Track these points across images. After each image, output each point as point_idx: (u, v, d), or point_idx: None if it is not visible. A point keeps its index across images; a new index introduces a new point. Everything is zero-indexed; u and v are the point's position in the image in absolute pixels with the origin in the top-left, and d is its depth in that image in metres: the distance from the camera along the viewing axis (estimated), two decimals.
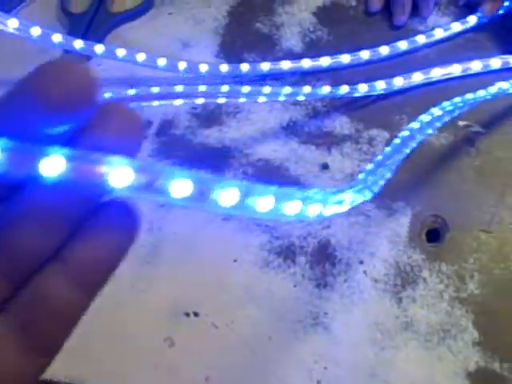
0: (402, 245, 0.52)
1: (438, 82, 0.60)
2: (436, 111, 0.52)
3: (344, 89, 0.58)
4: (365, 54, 0.61)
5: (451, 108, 0.53)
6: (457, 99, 0.53)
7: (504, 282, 0.50)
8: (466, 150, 0.57)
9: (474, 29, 0.63)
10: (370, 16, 0.66)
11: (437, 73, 0.60)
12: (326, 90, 0.57)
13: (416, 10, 0.65)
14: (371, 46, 0.62)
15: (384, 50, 0.62)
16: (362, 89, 0.58)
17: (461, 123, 0.58)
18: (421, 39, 0.62)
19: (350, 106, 0.60)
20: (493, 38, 0.63)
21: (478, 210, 0.54)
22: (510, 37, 0.61)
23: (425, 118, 0.52)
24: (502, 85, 0.56)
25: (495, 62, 0.60)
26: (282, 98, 0.56)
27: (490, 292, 0.49)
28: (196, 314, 0.49)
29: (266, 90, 0.55)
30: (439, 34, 0.63)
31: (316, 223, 0.54)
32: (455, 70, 0.60)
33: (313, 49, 0.63)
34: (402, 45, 0.62)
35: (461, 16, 0.64)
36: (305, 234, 0.53)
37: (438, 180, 0.56)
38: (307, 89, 0.57)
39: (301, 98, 0.57)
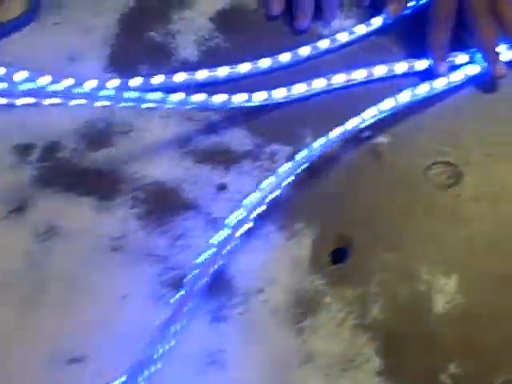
0: (304, 269, 0.50)
1: (342, 88, 0.58)
2: (339, 130, 0.50)
3: (240, 97, 0.55)
4: (265, 62, 0.58)
5: (358, 122, 0.51)
6: (365, 115, 0.52)
7: (408, 305, 0.48)
8: (370, 162, 0.55)
9: (379, 31, 0.61)
10: (271, 20, 0.63)
11: (339, 79, 0.57)
12: (220, 98, 0.54)
13: (319, 13, 0.62)
14: (272, 52, 0.60)
15: (285, 57, 0.59)
16: (259, 97, 0.55)
17: (364, 134, 0.56)
18: (324, 44, 0.60)
19: (249, 118, 0.57)
20: (398, 41, 0.61)
21: (384, 227, 0.52)
22: (415, 39, 0.59)
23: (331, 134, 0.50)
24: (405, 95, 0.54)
25: (400, 67, 0.58)
26: (169, 106, 0.52)
27: (394, 317, 0.47)
28: (80, 361, 0.46)
29: (153, 96, 0.51)
30: (343, 37, 0.60)
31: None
32: (359, 75, 0.57)
33: (210, 58, 0.60)
34: (304, 51, 0.59)
35: (365, 18, 0.62)
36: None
37: (341, 196, 0.53)
38: (200, 97, 0.53)
39: (191, 106, 0.53)
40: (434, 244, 0.50)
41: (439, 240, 0.50)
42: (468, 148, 0.54)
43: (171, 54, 0.61)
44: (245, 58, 0.59)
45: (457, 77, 0.57)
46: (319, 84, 0.57)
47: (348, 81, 0.58)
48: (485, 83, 0.57)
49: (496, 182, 0.53)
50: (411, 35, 0.60)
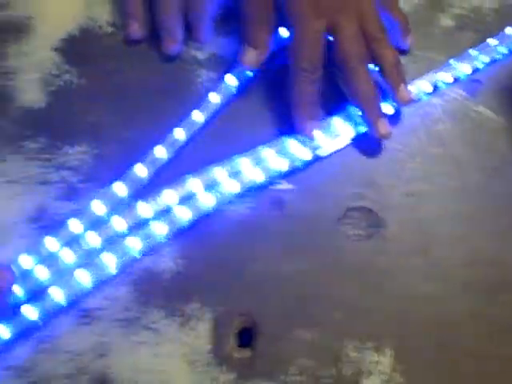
0: (205, 363, 0.42)
1: None
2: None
3: None
4: None
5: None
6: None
7: None
8: (273, 214, 0.47)
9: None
10: (133, 45, 0.54)
11: None
12: None
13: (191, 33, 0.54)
14: (137, 84, 0.51)
15: None
16: None
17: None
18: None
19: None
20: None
21: (294, 298, 0.45)
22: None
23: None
24: None
25: None
26: None
27: None
28: None
29: None
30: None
31: (87, 351, 0.42)
32: None
33: (61, 100, 0.51)
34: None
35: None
36: (73, 370, 0.42)
37: (241, 264, 0.46)
38: None
39: None
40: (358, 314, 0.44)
41: (363, 308, 0.44)
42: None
43: (10, 100, 0.51)
44: (103, 97, 0.50)
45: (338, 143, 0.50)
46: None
47: None
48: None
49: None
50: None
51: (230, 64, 0.52)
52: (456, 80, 0.53)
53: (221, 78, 0.51)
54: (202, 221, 0.46)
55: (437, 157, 0.50)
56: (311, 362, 0.43)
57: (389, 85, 0.49)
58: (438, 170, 0.49)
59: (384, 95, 0.50)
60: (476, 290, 0.45)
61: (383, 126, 0.48)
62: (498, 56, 0.54)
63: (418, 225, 0.47)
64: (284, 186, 0.48)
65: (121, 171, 0.47)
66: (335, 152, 0.49)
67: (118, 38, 0.54)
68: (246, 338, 0.44)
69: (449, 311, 0.44)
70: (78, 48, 0.54)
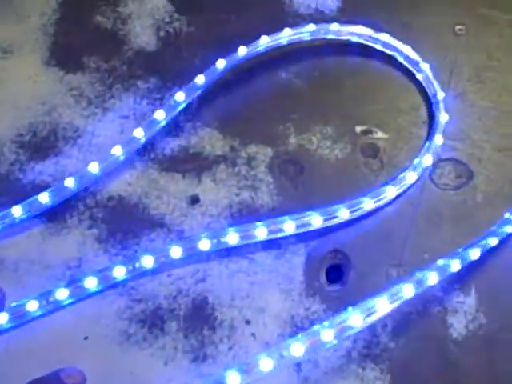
0: (297, 293, 0.46)
1: None
2: None
3: None
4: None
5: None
6: None
7: (421, 328, 0.44)
8: (367, 162, 0.51)
9: None
10: None
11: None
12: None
13: None
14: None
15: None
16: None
17: (358, 129, 0.52)
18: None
19: (221, 118, 0.52)
20: None
21: (387, 241, 0.48)
22: None
23: None
24: None
25: None
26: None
27: (408, 343, 0.44)
28: None
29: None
30: None
31: (187, 276, 0.46)
32: None
33: (170, 45, 0.55)
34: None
35: None
36: (174, 292, 0.46)
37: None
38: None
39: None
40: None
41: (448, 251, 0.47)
42: None
43: (123, 42, 0.56)
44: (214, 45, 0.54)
45: None
46: None
47: None
48: None
49: None
50: None
51: None
52: None
53: None
54: None
55: None
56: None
57: None
58: None
59: None
60: None
61: None
62: None
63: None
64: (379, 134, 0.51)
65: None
66: None
67: None
68: (338, 273, 0.47)
69: None
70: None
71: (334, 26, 0.55)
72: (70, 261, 0.46)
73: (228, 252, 0.46)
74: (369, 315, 0.40)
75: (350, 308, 0.40)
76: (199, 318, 0.45)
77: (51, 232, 0.47)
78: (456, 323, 0.44)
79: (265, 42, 0.53)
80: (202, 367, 0.43)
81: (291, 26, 0.54)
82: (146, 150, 0.51)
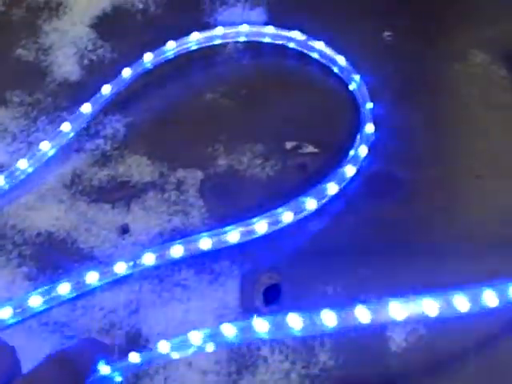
0: (233, 317, 0.46)
1: None
2: None
3: None
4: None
5: None
6: None
7: (360, 342, 0.45)
8: (297, 178, 0.51)
9: None
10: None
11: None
12: None
13: None
14: None
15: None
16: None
17: (288, 145, 0.53)
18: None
19: (149, 143, 0.53)
20: None
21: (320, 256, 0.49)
22: None
23: None
24: None
25: None
26: None
27: (347, 359, 0.44)
28: None
29: None
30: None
31: (120, 308, 0.47)
32: None
33: (95, 73, 0.56)
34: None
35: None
36: (107, 325, 0.46)
37: None
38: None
39: None
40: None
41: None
42: None
43: (45, 74, 0.56)
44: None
45: None
46: None
47: None
48: None
49: None
50: None
51: None
52: None
53: None
54: None
55: None
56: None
57: None
58: None
59: None
60: None
61: None
62: None
63: None
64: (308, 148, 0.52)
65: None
66: None
67: (150, 13, 0.59)
68: (275, 293, 0.47)
69: None
70: (111, 25, 0.59)
71: (269, 29, 0.56)
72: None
73: (160, 280, 0.47)
74: None
75: None
76: (133, 350, 0.45)
77: None
78: (395, 336, 0.44)
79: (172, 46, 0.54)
80: None
81: None
82: (74, 183, 0.51)
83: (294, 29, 0.56)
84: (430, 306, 0.38)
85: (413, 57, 0.57)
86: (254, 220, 0.47)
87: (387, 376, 0.43)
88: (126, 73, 0.53)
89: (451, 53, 0.57)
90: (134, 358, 0.39)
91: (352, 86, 0.55)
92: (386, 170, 0.51)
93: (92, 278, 0.45)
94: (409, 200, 0.50)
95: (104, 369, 0.37)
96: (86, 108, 0.51)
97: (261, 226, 0.47)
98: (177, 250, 0.46)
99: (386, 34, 0.58)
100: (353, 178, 0.50)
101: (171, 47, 0.54)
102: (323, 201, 0.49)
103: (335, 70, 0.56)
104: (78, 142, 0.53)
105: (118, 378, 0.39)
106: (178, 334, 0.44)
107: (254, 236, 0.47)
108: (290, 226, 0.48)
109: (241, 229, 0.46)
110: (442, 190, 0.50)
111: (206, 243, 0.46)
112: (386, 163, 0.51)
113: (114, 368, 0.38)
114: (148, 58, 0.53)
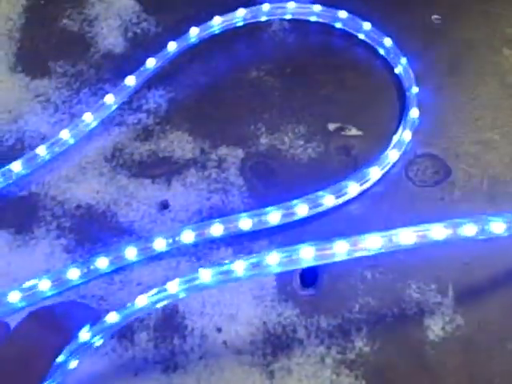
0: (270, 299, 0.46)
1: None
2: None
3: None
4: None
5: None
6: None
7: (397, 330, 0.44)
8: (340, 160, 0.51)
9: None
10: None
11: None
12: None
13: None
14: None
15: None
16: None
17: (331, 126, 0.52)
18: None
19: (191, 120, 0.53)
20: None
21: None
22: None
23: None
24: None
25: None
26: None
27: (383, 347, 0.44)
28: None
29: None
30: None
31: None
32: None
33: (138, 46, 0.55)
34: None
35: None
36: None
37: None
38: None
39: None
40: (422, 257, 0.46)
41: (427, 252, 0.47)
42: None
43: (90, 44, 0.56)
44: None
45: None
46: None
47: None
48: None
49: None
50: None
51: None
52: None
53: None
54: None
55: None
56: (374, 300, 0.46)
57: None
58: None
59: None
60: None
61: None
62: None
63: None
64: (352, 131, 0.51)
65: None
66: None
67: None
68: (311, 276, 0.47)
69: None
70: None
71: (316, 8, 0.55)
72: (38, 273, 0.46)
73: (198, 258, 0.47)
74: None
75: None
76: (170, 328, 0.45)
77: (19, 244, 0.48)
78: (433, 325, 0.44)
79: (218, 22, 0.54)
80: (173, 377, 0.43)
81: None
82: (115, 157, 0.51)
83: (341, 8, 0.55)
84: None
85: (461, 42, 0.55)
86: (295, 202, 0.46)
87: (424, 365, 0.43)
88: (171, 47, 0.52)
89: (499, 39, 0.56)
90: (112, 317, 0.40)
91: (398, 69, 0.54)
92: (429, 155, 0.50)
93: (131, 253, 0.45)
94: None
95: (84, 335, 0.37)
96: (130, 81, 0.51)
97: (302, 209, 0.46)
98: (216, 229, 0.45)
99: (435, 17, 0.57)
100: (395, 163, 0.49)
101: (217, 22, 0.53)
102: (366, 185, 0.48)
103: (381, 51, 0.55)
104: (120, 116, 0.52)
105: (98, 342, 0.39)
106: (215, 314, 0.44)
107: (295, 218, 0.46)
108: (330, 209, 0.47)
109: (282, 211, 0.46)
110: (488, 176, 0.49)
111: (246, 223, 0.46)
112: (430, 148, 0.50)
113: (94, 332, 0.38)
114: (194, 32, 0.53)
